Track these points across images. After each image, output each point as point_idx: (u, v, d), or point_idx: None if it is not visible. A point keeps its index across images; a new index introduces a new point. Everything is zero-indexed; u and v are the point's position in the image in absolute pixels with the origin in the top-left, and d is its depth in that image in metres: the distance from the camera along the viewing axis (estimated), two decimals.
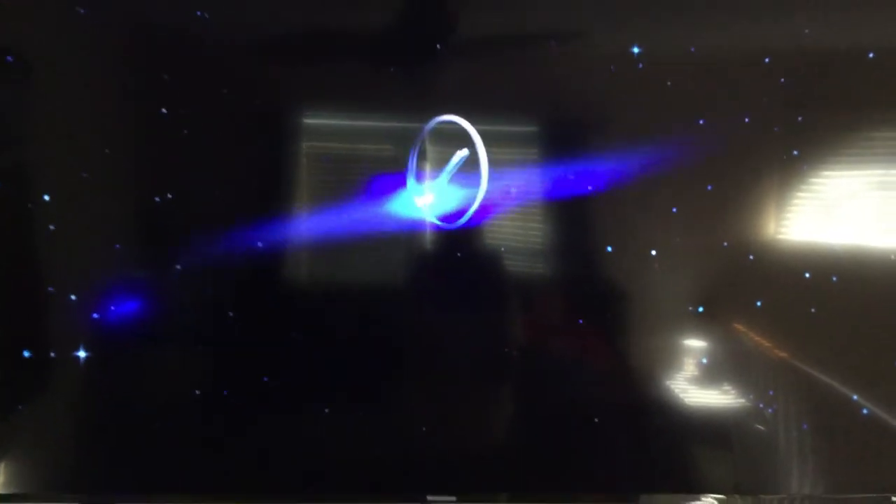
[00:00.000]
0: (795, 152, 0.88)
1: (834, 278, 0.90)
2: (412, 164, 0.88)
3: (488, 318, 0.92)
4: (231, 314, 0.90)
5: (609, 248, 0.90)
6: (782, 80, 0.87)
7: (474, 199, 0.88)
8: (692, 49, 0.87)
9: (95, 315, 0.88)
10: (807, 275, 0.90)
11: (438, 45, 0.86)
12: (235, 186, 0.89)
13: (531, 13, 0.87)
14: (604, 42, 0.88)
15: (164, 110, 0.86)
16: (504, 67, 0.88)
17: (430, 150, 0.88)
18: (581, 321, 0.91)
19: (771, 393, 0.94)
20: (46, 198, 0.87)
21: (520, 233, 0.90)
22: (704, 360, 0.92)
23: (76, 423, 0.94)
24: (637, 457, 0.96)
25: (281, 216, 0.89)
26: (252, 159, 0.90)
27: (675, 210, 0.89)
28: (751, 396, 0.94)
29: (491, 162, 0.88)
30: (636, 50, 0.86)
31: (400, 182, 0.88)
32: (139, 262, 0.89)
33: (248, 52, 0.88)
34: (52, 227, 0.87)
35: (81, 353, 0.89)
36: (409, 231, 0.89)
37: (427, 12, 0.86)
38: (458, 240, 0.89)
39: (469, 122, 0.87)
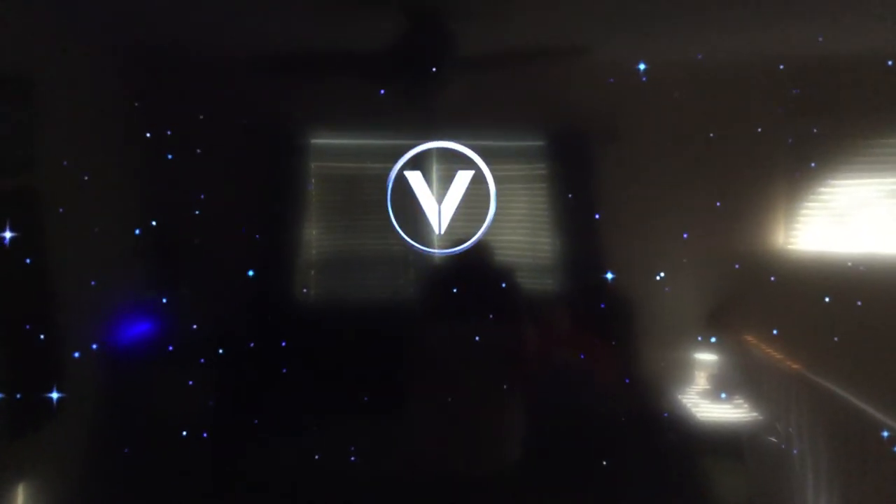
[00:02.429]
0: (812, 164, 0.84)
1: (858, 303, 0.84)
2: (415, 186, 0.85)
3: (494, 344, 0.88)
4: (221, 351, 0.87)
5: (611, 275, 0.86)
6: (796, 89, 0.83)
7: (480, 222, 0.85)
8: (699, 56, 0.83)
9: (76, 354, 0.86)
10: (827, 299, 0.85)
11: (440, 65, 0.84)
12: (227, 210, 0.87)
13: (530, 31, 0.85)
14: (607, 54, 0.85)
15: (147, 134, 0.85)
16: (506, 86, 0.86)
17: (435, 171, 0.85)
18: (583, 356, 0.88)
19: (791, 430, 0.88)
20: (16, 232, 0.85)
21: (525, 256, 0.86)
22: (723, 395, 0.87)
23: (52, 465, 0.91)
24: (652, 489, 0.91)
25: (273, 241, 0.87)
26: (243, 182, 0.88)
27: (683, 229, 0.85)
28: (771, 432, 0.89)
29: (496, 182, 0.85)
30: (641, 62, 0.83)
31: (401, 204, 0.85)
32: (123, 293, 0.87)
33: (241, 75, 0.86)
34: (28, 261, 0.85)
35: (54, 395, 0.87)
36: (413, 254, 0.86)
37: (428, 31, 0.85)
38: (463, 263, 0.86)
39: (474, 142, 0.84)
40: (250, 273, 0.85)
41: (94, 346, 0.86)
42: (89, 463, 0.91)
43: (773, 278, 0.85)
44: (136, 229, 0.85)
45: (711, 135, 0.83)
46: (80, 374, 0.87)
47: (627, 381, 0.88)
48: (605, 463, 0.88)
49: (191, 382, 0.87)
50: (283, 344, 0.87)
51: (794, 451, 0.88)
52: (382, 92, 0.84)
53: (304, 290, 0.87)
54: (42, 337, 0.86)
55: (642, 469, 0.90)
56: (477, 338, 0.87)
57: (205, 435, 0.88)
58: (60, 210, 0.86)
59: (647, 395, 0.88)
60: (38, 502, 0.90)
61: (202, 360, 0.87)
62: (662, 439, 0.88)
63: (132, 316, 0.87)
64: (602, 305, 0.87)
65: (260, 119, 0.86)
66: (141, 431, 0.89)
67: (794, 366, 0.87)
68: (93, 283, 0.86)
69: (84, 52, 0.86)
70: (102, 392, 0.89)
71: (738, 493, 0.90)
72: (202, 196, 0.85)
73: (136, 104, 0.85)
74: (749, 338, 0.88)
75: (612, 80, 0.83)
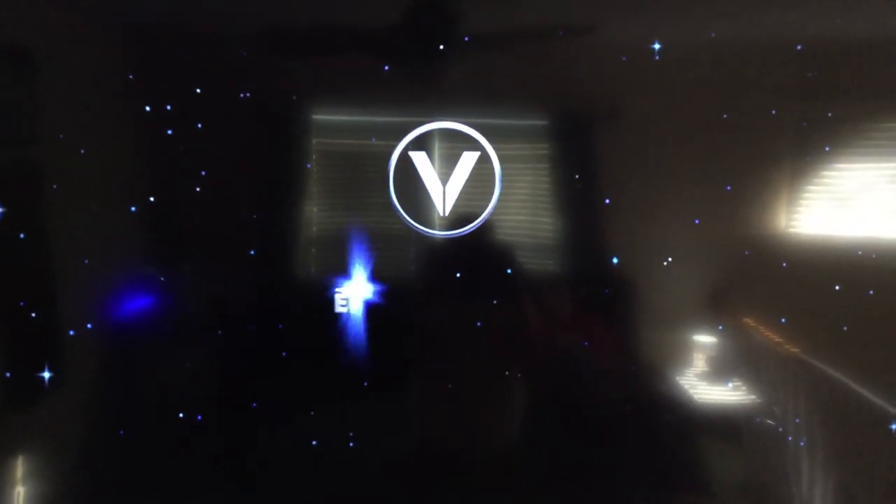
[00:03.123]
0: (826, 148, 0.82)
1: (870, 292, 0.83)
2: (419, 166, 0.84)
3: (497, 328, 0.86)
4: (220, 332, 0.86)
5: (617, 259, 0.84)
6: (812, 71, 0.81)
7: (485, 203, 0.84)
8: (712, 35, 0.81)
9: (71, 332, 0.85)
10: (837, 287, 0.83)
11: (447, 44, 0.82)
12: (228, 188, 0.85)
13: (540, 8, 0.83)
14: (619, 32, 0.83)
15: (147, 108, 0.83)
16: (514, 65, 0.84)
17: (440, 151, 0.84)
18: (588, 341, 0.86)
19: (798, 421, 0.87)
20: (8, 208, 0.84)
21: (530, 239, 0.85)
22: (730, 384, 0.86)
23: (43, 446, 0.90)
24: (657, 475, 0.90)
25: (274, 220, 0.85)
26: (243, 161, 0.86)
27: (692, 214, 0.84)
28: (777, 422, 0.87)
29: (502, 163, 0.84)
30: (653, 41, 0.80)
31: (405, 185, 0.84)
32: (119, 272, 0.86)
33: (244, 49, 0.84)
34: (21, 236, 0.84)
35: (46, 374, 0.86)
36: (417, 236, 0.85)
37: (435, 8, 0.83)
38: (468, 245, 0.84)
39: (480, 121, 0.83)
40: (252, 252, 0.84)
41: (89, 326, 0.85)
42: (81, 444, 0.90)
43: (784, 264, 0.83)
44: (131, 207, 0.84)
45: (725, 116, 0.81)
46: (73, 353, 0.86)
47: (634, 367, 0.86)
48: (609, 448, 0.88)
49: (188, 364, 0.86)
50: (282, 326, 0.85)
51: (802, 443, 0.87)
52: (387, 68, 0.82)
53: (307, 272, 0.86)
54: (33, 315, 0.85)
55: (647, 455, 0.89)
56: (479, 323, 0.85)
57: (199, 417, 0.87)
58: (54, 186, 0.84)
59: (652, 382, 0.87)
60: (29, 484, 0.89)
61: (201, 341, 0.86)
62: (668, 426, 0.87)
63: (128, 295, 0.85)
64: (606, 291, 0.85)
65: (262, 95, 0.84)
66: (136, 413, 0.88)
67: (802, 355, 0.85)
68: (85, 261, 0.84)
69: (84, 23, 0.84)
70: (96, 372, 0.88)
71: (746, 481, 0.89)
72: (203, 173, 0.83)
73: (136, 78, 0.83)
74: (758, 326, 0.86)
75: (624, 58, 0.81)
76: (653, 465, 0.89)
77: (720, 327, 0.85)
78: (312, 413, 0.88)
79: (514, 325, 0.87)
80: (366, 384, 0.87)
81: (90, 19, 0.84)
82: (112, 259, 0.85)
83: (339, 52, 0.84)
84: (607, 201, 0.84)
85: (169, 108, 0.83)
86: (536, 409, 0.88)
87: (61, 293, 0.86)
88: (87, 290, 0.85)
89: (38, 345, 0.86)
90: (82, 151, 0.83)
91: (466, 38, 0.82)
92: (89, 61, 0.84)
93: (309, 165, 0.84)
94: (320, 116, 0.84)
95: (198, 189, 0.84)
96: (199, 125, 0.83)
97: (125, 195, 0.84)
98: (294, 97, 0.84)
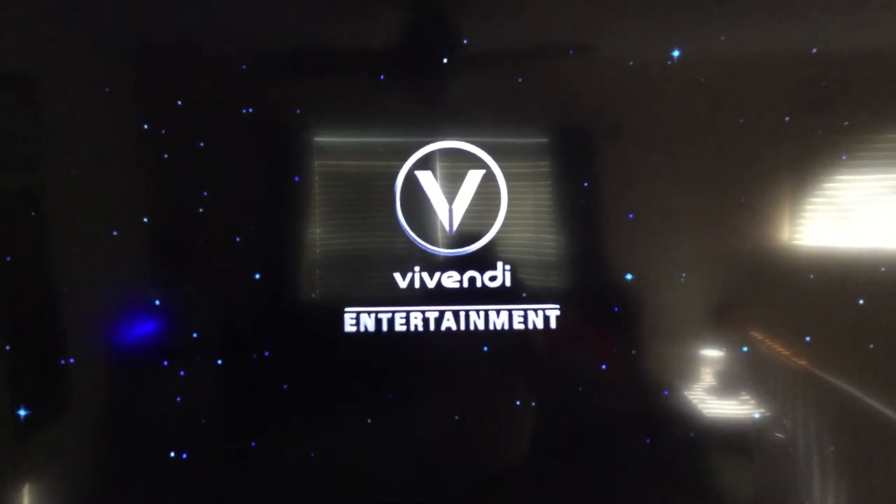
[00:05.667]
0: (843, 157, 0.81)
1: None
2: (426, 185, 0.83)
3: (506, 351, 0.83)
4: (220, 361, 0.82)
5: (629, 276, 0.82)
6: (830, 77, 0.80)
7: (491, 220, 0.83)
8: (722, 38, 0.81)
9: (62, 361, 0.82)
10: (861, 302, 0.80)
11: (452, 63, 0.82)
12: (227, 206, 0.83)
13: (544, 23, 0.83)
14: (623, 47, 0.83)
15: (145, 126, 0.81)
16: (519, 82, 0.83)
17: (446, 170, 0.83)
18: (604, 366, 0.83)
19: (833, 448, 0.83)
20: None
21: (537, 256, 0.83)
22: (756, 415, 0.84)
23: (22, 485, 0.84)
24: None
25: (275, 240, 0.83)
26: (244, 180, 0.84)
27: (706, 227, 0.82)
28: (806, 448, 0.84)
29: (507, 179, 0.83)
30: (661, 53, 0.81)
31: (411, 204, 0.82)
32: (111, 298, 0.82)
33: (244, 69, 0.83)
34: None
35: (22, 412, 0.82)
36: (424, 254, 0.83)
37: (439, 29, 0.83)
38: (475, 263, 0.83)
39: (484, 140, 0.82)
40: (257, 276, 0.81)
41: (72, 361, 0.82)
42: (67, 483, 0.85)
43: (811, 276, 0.81)
44: (132, 226, 0.82)
45: (742, 120, 0.81)
46: (64, 385, 0.83)
47: (666, 392, 0.83)
48: (629, 471, 0.84)
49: (178, 399, 0.82)
50: (291, 349, 0.82)
51: (833, 466, 0.83)
52: (382, 77, 0.82)
53: (313, 295, 0.83)
54: (7, 348, 0.81)
55: (671, 476, 0.85)
56: (486, 347, 0.82)
57: (185, 456, 0.82)
58: (34, 211, 0.82)
59: (667, 400, 0.84)
60: None
61: (201, 369, 0.82)
62: (688, 445, 0.84)
63: (128, 324, 0.82)
64: (616, 308, 0.83)
65: (267, 114, 0.83)
66: (127, 452, 0.84)
67: (827, 375, 0.82)
68: (64, 289, 0.81)
69: (79, 46, 0.83)
70: (90, 405, 0.84)
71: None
72: (205, 193, 0.81)
73: (135, 100, 0.83)
74: (781, 346, 0.83)
75: (630, 68, 0.81)
76: (679, 488, 0.85)
77: (744, 349, 0.83)
78: (318, 444, 0.84)
79: (522, 344, 0.83)
80: (371, 407, 0.83)
81: (85, 38, 0.84)
82: (116, 284, 0.83)
83: (347, 74, 0.84)
84: (627, 216, 0.82)
85: (169, 127, 0.81)
86: (547, 429, 0.84)
87: (47, 324, 0.83)
88: (76, 320, 0.82)
89: (18, 379, 0.82)
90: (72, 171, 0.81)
91: (470, 57, 0.82)
92: (80, 80, 0.83)
93: (297, 179, 0.83)
94: (326, 138, 0.83)
95: (200, 210, 0.81)
96: (202, 143, 0.81)
97: (126, 215, 0.82)
98: (299, 117, 0.83)
